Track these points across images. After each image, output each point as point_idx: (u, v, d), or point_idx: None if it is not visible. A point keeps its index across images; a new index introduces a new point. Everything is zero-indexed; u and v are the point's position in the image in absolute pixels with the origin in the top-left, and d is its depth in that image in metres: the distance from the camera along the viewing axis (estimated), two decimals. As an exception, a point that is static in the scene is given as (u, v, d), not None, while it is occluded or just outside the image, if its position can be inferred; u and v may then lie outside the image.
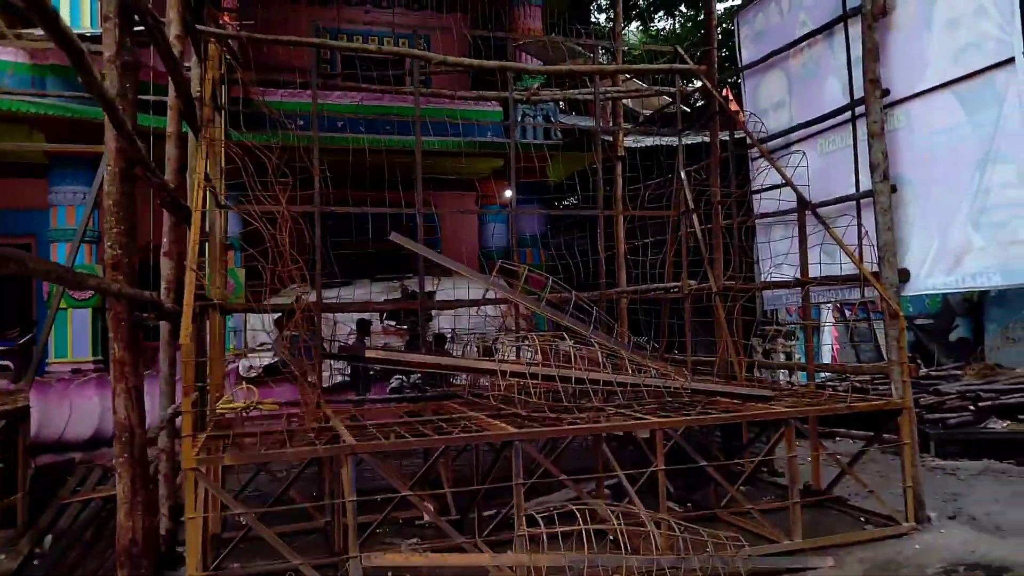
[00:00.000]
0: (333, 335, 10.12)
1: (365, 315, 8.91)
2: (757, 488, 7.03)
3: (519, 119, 12.07)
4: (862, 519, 5.86)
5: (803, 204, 6.61)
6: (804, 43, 7.29)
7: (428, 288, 11.35)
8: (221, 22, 8.08)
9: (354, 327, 8.98)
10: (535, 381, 4.73)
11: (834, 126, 6.91)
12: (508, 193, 12.28)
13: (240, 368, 9.43)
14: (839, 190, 6.58)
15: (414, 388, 6.45)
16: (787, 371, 9.45)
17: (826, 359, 11.83)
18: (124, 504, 3.63)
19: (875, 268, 5.96)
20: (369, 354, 4.68)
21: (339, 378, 9.00)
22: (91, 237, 9.22)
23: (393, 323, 10.19)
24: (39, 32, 8.64)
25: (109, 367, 9.79)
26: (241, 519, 6.54)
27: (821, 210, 6.53)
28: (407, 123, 10.85)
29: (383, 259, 11.42)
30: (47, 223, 9.43)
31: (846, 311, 12.41)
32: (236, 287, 10.52)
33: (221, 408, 6.03)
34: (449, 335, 9.70)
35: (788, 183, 6.70)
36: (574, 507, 4.19)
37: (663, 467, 4.72)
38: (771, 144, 7.57)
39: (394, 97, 11.52)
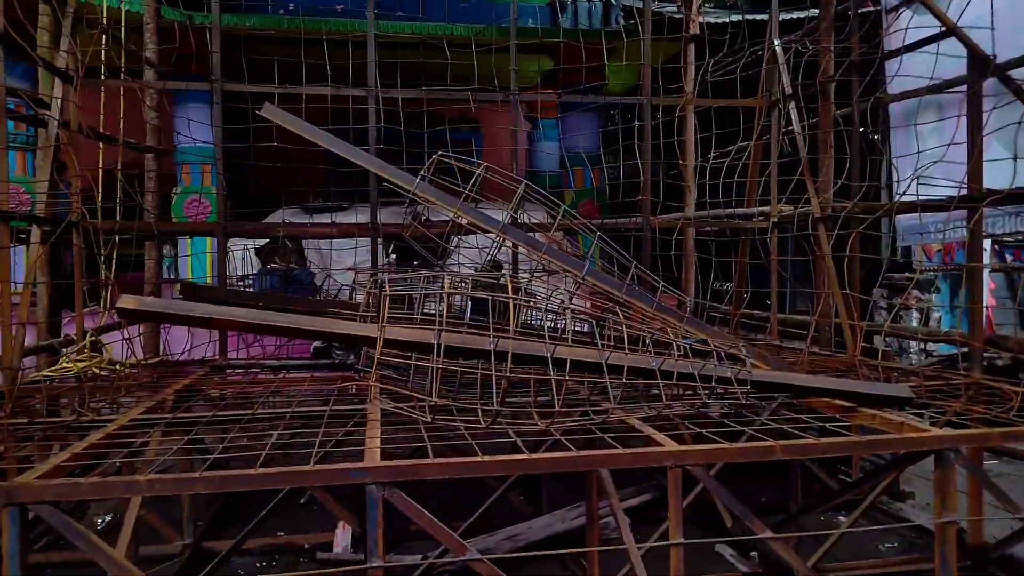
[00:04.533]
0: (327, 270, 8.16)
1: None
2: (871, 522, 4.58)
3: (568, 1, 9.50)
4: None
5: (981, 64, 3.87)
6: None
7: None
8: None
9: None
10: (445, 363, 2.46)
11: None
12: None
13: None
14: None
15: (346, 350, 4.37)
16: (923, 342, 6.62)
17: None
18: None
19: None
20: (122, 303, 2.48)
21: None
22: None
23: (395, 258, 8.09)
24: None
25: None
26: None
27: (1014, 73, 3.81)
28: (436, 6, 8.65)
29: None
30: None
31: (1006, 254, 9.22)
32: (211, 209, 8.70)
33: (52, 372, 4.15)
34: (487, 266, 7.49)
35: (953, 30, 3.97)
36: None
37: (680, 541, 2.39)
38: (922, -21, 4.76)
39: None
